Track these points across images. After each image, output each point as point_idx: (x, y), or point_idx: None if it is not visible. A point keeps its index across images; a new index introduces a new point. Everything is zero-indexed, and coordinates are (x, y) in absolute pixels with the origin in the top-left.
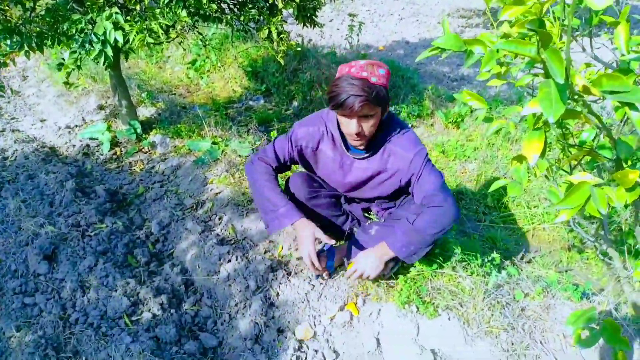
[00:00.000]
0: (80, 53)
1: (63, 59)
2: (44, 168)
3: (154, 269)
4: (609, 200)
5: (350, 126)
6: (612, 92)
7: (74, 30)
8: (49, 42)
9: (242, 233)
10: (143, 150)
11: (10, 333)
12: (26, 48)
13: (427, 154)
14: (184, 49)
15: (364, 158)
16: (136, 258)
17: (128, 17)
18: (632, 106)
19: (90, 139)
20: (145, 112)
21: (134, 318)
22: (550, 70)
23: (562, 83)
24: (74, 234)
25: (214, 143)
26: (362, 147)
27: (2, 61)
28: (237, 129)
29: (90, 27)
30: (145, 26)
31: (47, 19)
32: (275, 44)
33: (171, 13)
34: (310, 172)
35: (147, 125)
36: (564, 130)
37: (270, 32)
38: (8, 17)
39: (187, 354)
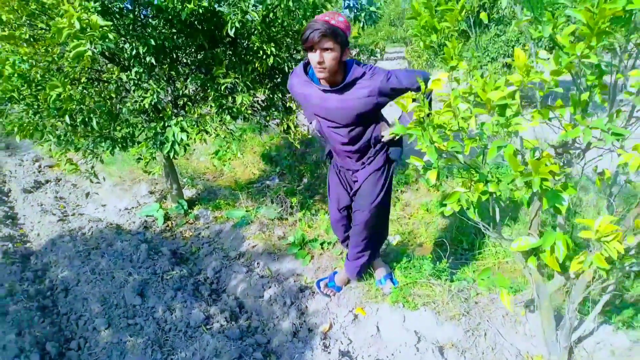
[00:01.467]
0: (155, 149)
1: (141, 154)
2: (118, 238)
3: (215, 298)
4: (467, 201)
5: (314, 57)
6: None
7: (152, 134)
8: (130, 144)
9: (276, 271)
10: (189, 222)
11: (125, 339)
12: (117, 149)
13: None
14: (206, 143)
15: (338, 91)
16: (201, 292)
17: (188, 122)
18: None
19: (147, 216)
20: (188, 192)
21: (208, 327)
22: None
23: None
24: (154, 278)
25: (246, 211)
26: (326, 81)
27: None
28: (264, 199)
29: (162, 131)
30: (201, 128)
31: (129, 127)
32: (291, 134)
33: (219, 117)
34: (307, 113)
35: (191, 203)
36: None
37: (288, 126)
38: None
39: (248, 345)
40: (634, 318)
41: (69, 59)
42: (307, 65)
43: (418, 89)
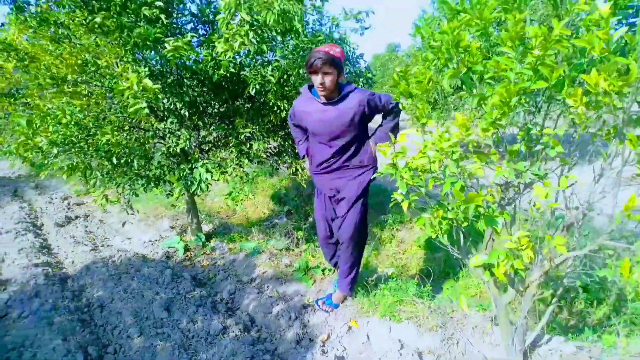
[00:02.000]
0: (185, 187)
1: (170, 191)
2: (145, 264)
3: (231, 313)
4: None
5: (316, 79)
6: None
7: (183, 174)
8: (162, 182)
9: (283, 293)
10: (207, 252)
11: (155, 344)
12: (150, 185)
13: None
14: (227, 182)
15: (334, 103)
16: (218, 309)
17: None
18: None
19: (169, 247)
20: (205, 227)
21: (225, 335)
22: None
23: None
24: (178, 297)
25: (258, 243)
26: (325, 97)
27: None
28: (273, 232)
29: (190, 172)
30: (223, 170)
31: (160, 168)
32: (299, 175)
33: (238, 161)
34: (307, 126)
35: (208, 236)
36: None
37: (296, 169)
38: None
39: (259, 350)
40: (581, 329)
41: (121, 112)
42: (310, 87)
43: (392, 109)
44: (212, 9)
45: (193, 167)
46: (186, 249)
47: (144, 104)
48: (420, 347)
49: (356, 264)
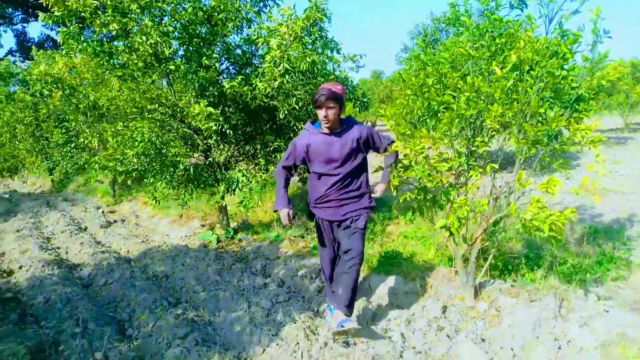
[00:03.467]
0: (226, 190)
1: (215, 192)
2: (189, 250)
3: (266, 277)
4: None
5: (321, 113)
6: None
7: (224, 178)
8: (206, 187)
9: (303, 264)
10: (235, 243)
11: (217, 295)
12: (200, 188)
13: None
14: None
15: (337, 134)
16: (257, 275)
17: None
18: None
19: (204, 239)
20: (232, 224)
21: (266, 288)
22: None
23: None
24: (224, 268)
25: (279, 233)
26: (329, 129)
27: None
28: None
29: (227, 177)
30: (253, 174)
31: (207, 175)
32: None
33: (266, 167)
34: (310, 158)
35: (235, 231)
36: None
37: (306, 177)
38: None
39: (292, 295)
40: (515, 270)
41: (184, 131)
42: (313, 122)
43: (388, 145)
44: (251, 54)
45: (229, 173)
46: (218, 240)
47: (212, 124)
48: (405, 290)
49: (356, 288)
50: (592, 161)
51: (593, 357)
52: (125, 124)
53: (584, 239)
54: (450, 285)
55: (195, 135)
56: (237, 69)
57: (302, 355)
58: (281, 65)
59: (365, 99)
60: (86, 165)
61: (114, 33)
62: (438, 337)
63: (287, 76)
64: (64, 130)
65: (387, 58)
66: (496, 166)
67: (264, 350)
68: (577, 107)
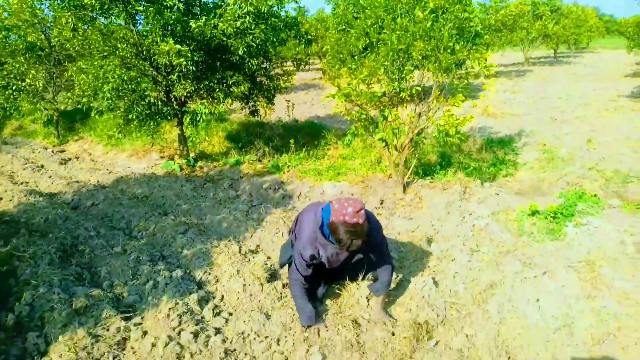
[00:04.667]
0: (191, 122)
1: (180, 122)
2: (158, 176)
3: (236, 193)
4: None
5: (343, 249)
6: None
7: (188, 110)
8: (169, 120)
9: (264, 180)
10: (197, 170)
11: (199, 204)
12: (166, 120)
13: (382, 232)
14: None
15: None
16: (227, 189)
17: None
18: None
19: (167, 168)
20: (191, 154)
21: (238, 198)
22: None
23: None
24: (197, 186)
25: (238, 158)
26: None
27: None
28: (248, 151)
29: (191, 109)
30: (213, 108)
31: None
32: (259, 116)
33: (225, 100)
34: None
35: (195, 160)
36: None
37: (256, 109)
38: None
39: (262, 203)
40: (432, 174)
41: (156, 68)
42: (320, 227)
43: (385, 269)
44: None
45: (193, 106)
46: (180, 169)
47: (182, 60)
48: (352, 192)
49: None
50: (493, 92)
51: (486, 220)
52: (91, 62)
53: (483, 148)
54: (385, 185)
55: (156, 72)
56: (197, 10)
57: (282, 235)
58: (245, 6)
59: (309, 36)
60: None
61: None
62: (378, 218)
63: (247, 17)
64: (5, 73)
65: None
66: (419, 88)
67: (252, 235)
68: (475, 41)
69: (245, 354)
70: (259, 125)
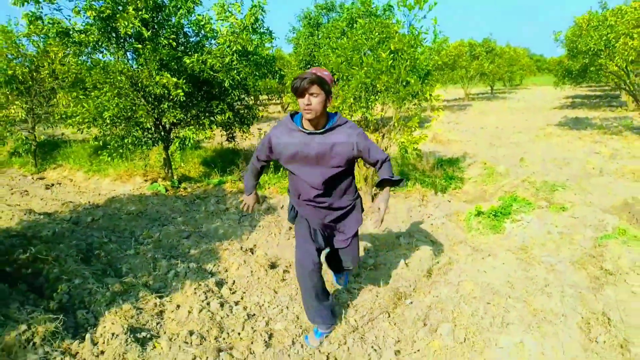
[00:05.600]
0: (180, 146)
1: (167, 147)
2: (148, 196)
3: (223, 207)
4: None
5: (303, 101)
6: None
7: (177, 135)
8: (162, 142)
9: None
10: (182, 190)
11: (194, 217)
12: (157, 144)
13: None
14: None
15: (321, 133)
16: (215, 205)
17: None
18: None
19: (154, 190)
20: (175, 177)
21: (227, 211)
22: None
23: None
24: (188, 202)
25: (220, 179)
26: (312, 123)
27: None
28: (229, 172)
29: (180, 135)
30: (199, 134)
31: (163, 133)
32: (234, 142)
33: (209, 126)
34: (285, 161)
35: (179, 181)
36: None
37: (233, 135)
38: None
39: (245, 217)
40: None
41: (149, 98)
42: (292, 116)
43: (384, 161)
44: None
45: (181, 131)
46: (166, 190)
47: (180, 91)
48: None
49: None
50: (440, 123)
51: (441, 220)
52: (86, 92)
53: (435, 166)
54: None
55: (145, 102)
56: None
57: (275, 235)
58: (234, 46)
59: (282, 72)
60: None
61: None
62: None
63: (235, 55)
64: None
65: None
66: (383, 114)
67: (248, 237)
68: (426, 78)
69: (263, 317)
70: (233, 152)
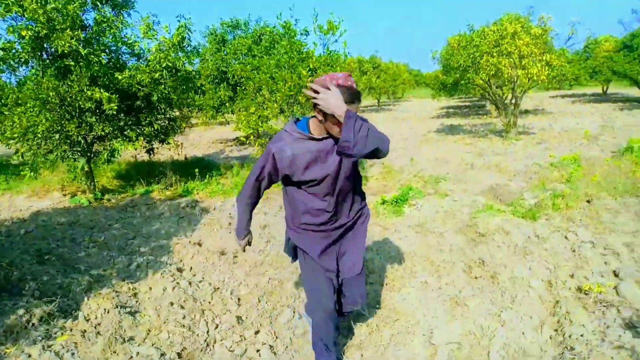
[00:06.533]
0: (108, 158)
1: (82, 167)
2: (75, 209)
3: (158, 213)
4: None
5: (337, 127)
6: None
7: (105, 147)
8: (88, 154)
9: (179, 202)
10: (105, 202)
11: (130, 222)
12: (85, 156)
13: None
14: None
15: (330, 136)
16: (149, 211)
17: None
18: None
19: (76, 203)
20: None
21: (163, 215)
22: None
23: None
24: (121, 212)
25: (147, 188)
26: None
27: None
28: (155, 180)
29: (109, 147)
30: (126, 146)
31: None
32: (152, 155)
33: (136, 138)
34: (301, 174)
35: (102, 193)
36: None
37: (153, 148)
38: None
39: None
40: None
41: (77, 112)
42: (296, 121)
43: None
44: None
45: (110, 143)
46: (88, 202)
47: (113, 105)
48: (260, 205)
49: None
50: None
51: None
52: (11, 108)
53: None
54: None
55: (70, 116)
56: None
57: (216, 231)
58: (164, 62)
59: (203, 88)
60: None
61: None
62: None
63: (165, 71)
64: None
65: None
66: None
67: (192, 234)
68: None
69: (227, 289)
70: (148, 165)
